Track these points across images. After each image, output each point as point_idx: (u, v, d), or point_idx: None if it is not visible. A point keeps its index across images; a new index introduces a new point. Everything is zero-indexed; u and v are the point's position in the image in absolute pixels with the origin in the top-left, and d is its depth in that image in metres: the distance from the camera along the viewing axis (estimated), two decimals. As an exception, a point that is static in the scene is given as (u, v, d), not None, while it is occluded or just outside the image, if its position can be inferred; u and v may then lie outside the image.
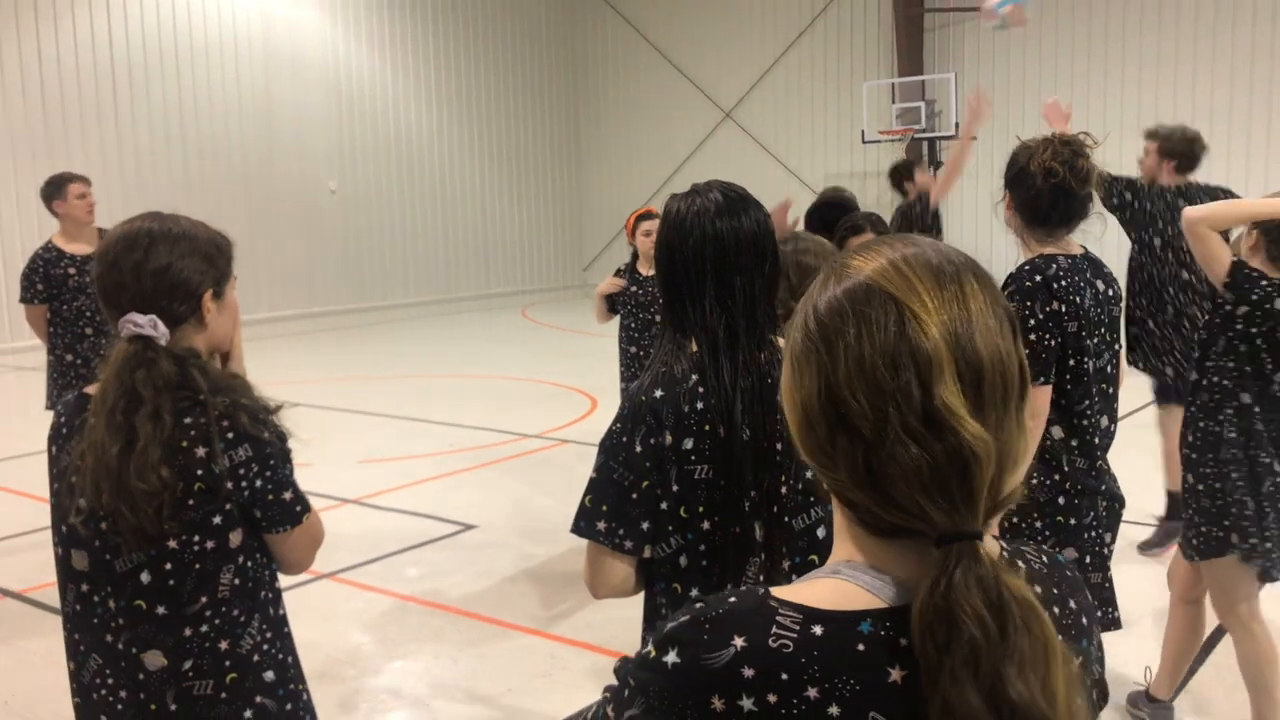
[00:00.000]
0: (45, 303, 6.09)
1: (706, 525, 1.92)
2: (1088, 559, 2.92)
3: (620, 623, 4.75)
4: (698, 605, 0.97)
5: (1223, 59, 14.39)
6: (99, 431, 1.79)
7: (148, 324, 1.85)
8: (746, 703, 0.90)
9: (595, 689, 4.14)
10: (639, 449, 1.90)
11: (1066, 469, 2.88)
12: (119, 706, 1.87)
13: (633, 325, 5.82)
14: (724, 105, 19.24)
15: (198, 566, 1.88)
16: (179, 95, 15.73)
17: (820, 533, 1.97)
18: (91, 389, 1.91)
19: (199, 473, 1.84)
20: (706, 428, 1.91)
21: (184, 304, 1.91)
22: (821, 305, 1.00)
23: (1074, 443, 2.89)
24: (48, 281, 6.05)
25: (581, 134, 21.45)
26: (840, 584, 0.96)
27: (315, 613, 4.91)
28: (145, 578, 1.86)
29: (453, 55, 19.21)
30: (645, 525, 1.91)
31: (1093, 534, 2.93)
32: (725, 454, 1.90)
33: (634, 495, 1.90)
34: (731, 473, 1.90)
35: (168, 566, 1.87)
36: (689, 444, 1.90)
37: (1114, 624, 2.98)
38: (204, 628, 1.89)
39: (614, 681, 1.02)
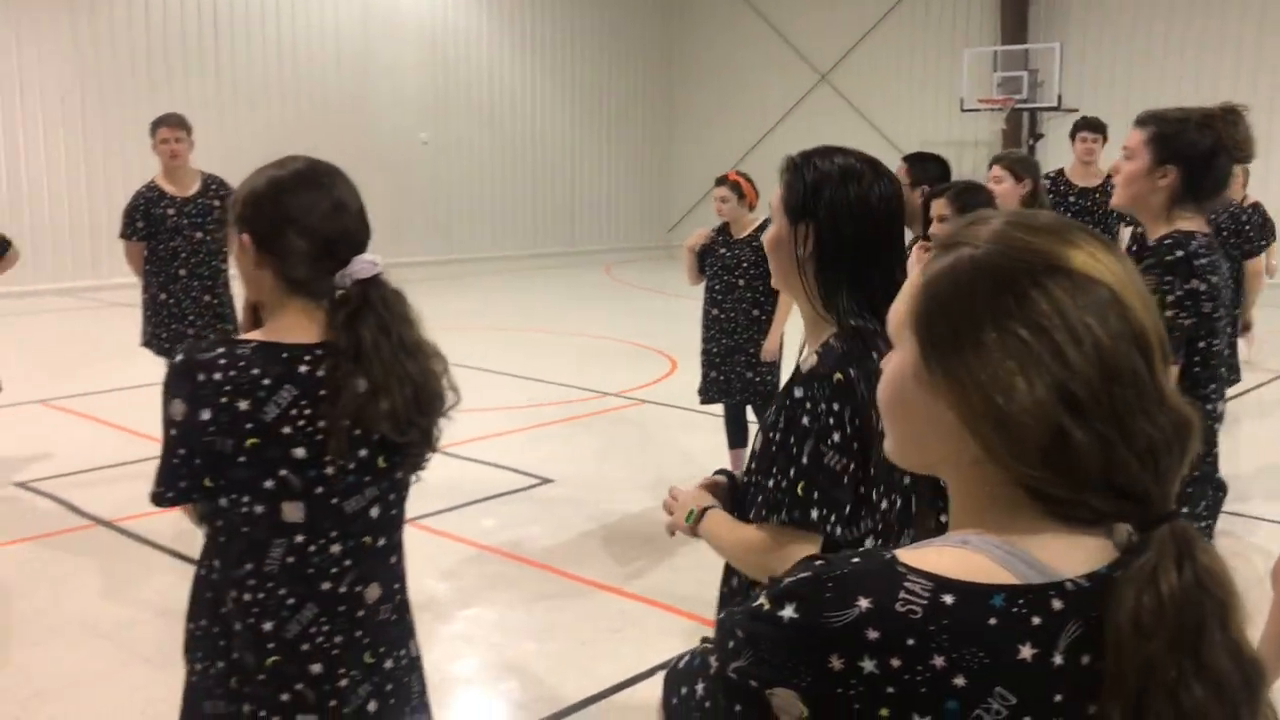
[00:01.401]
0: (143, 240, 6.23)
1: (885, 505, 1.82)
2: None
3: (694, 583, 4.75)
4: (819, 563, 0.95)
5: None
6: (366, 379, 1.79)
7: (378, 265, 1.87)
8: (868, 664, 0.89)
9: (667, 648, 4.14)
10: (847, 429, 1.77)
11: None
12: (335, 651, 1.86)
13: (717, 288, 5.80)
14: (820, 67, 18.94)
15: (404, 494, 1.96)
16: (278, 43, 15.96)
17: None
18: (273, 336, 1.84)
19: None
20: None
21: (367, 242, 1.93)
22: (1043, 301, 0.94)
23: None
24: (147, 220, 6.19)
25: (673, 92, 21.28)
26: (969, 555, 0.94)
27: (394, 557, 4.98)
28: (375, 512, 1.89)
29: (547, 9, 19.16)
30: (850, 509, 1.78)
31: (1202, 524, 2.85)
32: None
33: (845, 479, 1.77)
34: None
35: (392, 496, 1.92)
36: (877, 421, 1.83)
37: None
38: (397, 554, 1.97)
39: (707, 635, 1.00)
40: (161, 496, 1.84)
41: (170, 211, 6.20)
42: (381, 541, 1.93)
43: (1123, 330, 0.93)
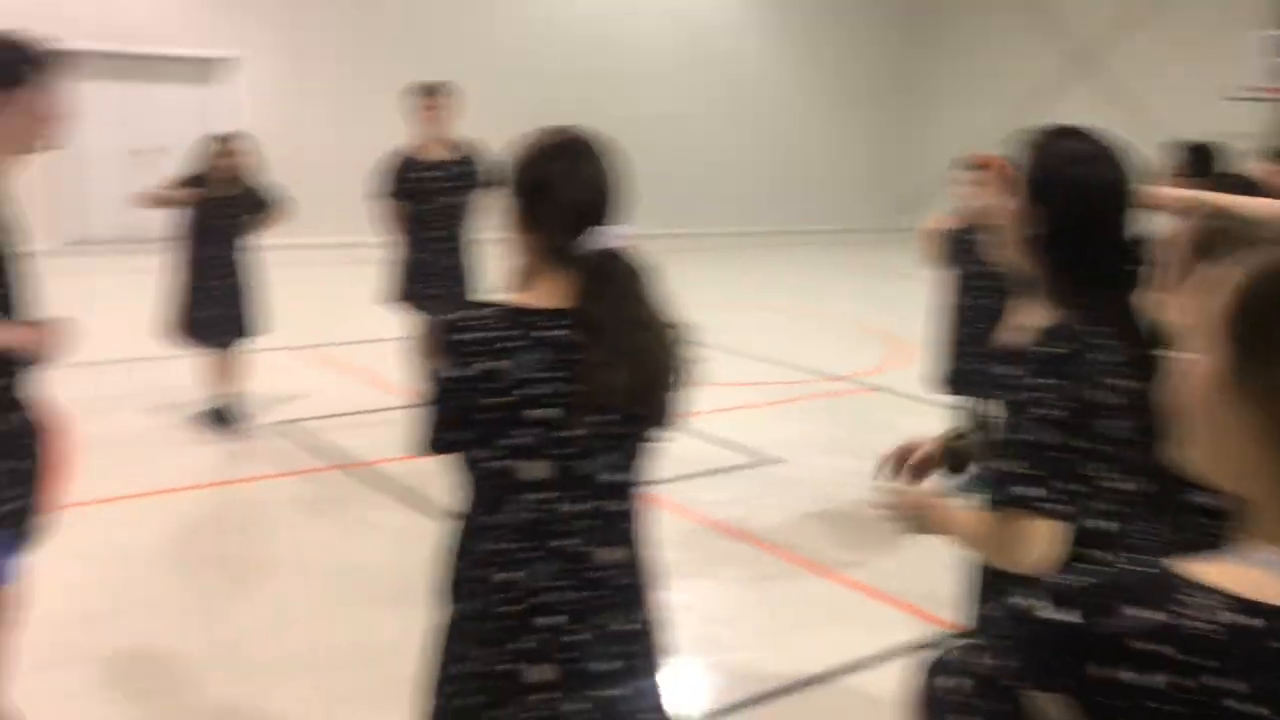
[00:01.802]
0: (398, 201, 6.52)
1: (1121, 486, 1.80)
2: None
3: (918, 576, 4.63)
4: (1103, 569, 0.90)
5: None
6: (607, 347, 1.85)
7: (627, 235, 1.92)
8: (1157, 679, 0.84)
9: (887, 639, 4.06)
10: (1074, 406, 1.75)
11: None
12: (569, 608, 1.93)
13: (962, 275, 5.59)
14: (1077, 44, 17.99)
15: (644, 459, 2.00)
16: (536, 16, 16.46)
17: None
18: (522, 300, 1.91)
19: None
20: (1124, 382, 1.78)
21: (620, 214, 1.96)
22: None
23: None
24: (402, 181, 6.47)
25: (917, 68, 20.69)
26: (1262, 575, 0.87)
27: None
28: (613, 477, 1.94)
29: (793, -16, 19.00)
30: (1074, 488, 1.77)
31: None
32: (1142, 409, 1.76)
33: (1063, 456, 1.75)
34: (1151, 430, 1.76)
35: (632, 463, 1.97)
36: (1108, 399, 1.77)
37: None
38: (635, 519, 2.01)
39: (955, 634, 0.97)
40: (425, 445, 1.95)
41: (425, 175, 6.46)
42: (620, 506, 1.96)
43: None
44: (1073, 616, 0.87)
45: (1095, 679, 0.85)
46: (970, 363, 5.57)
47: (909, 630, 4.14)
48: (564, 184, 1.90)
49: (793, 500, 5.63)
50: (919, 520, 1.99)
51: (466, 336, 1.85)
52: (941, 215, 5.74)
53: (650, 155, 17.32)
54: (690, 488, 5.64)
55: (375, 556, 4.82)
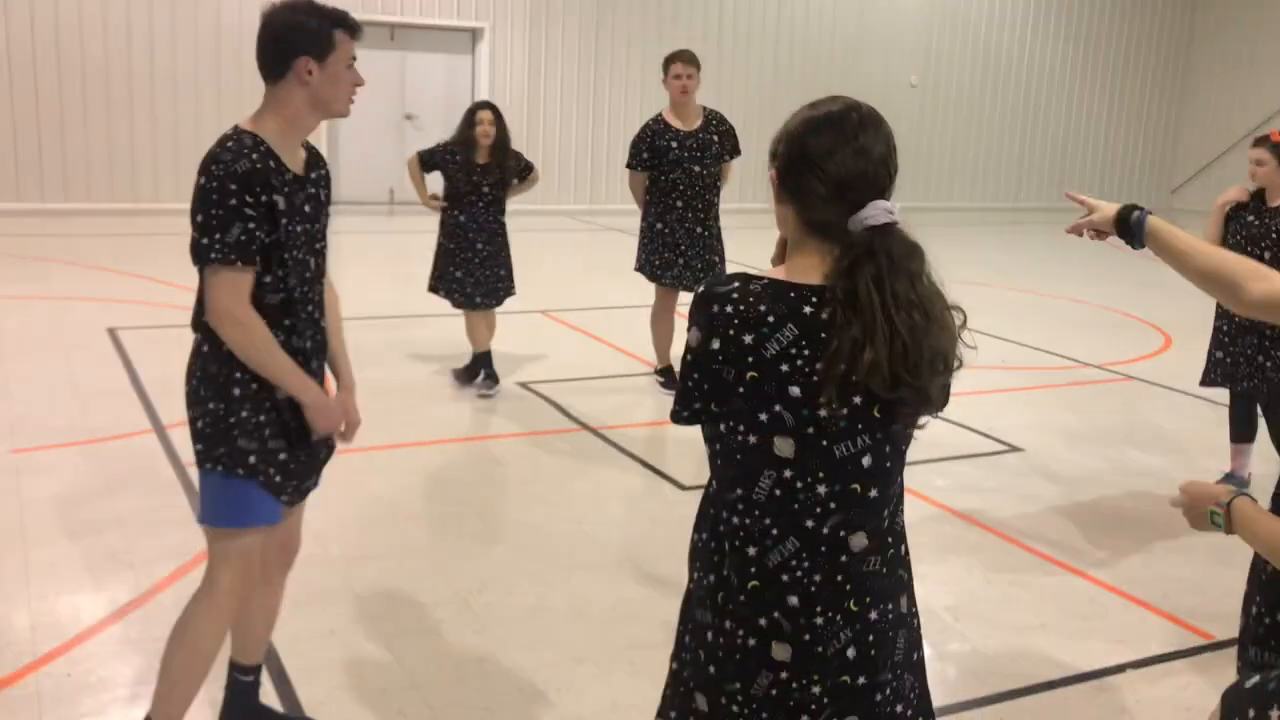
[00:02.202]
0: (647, 170, 6.59)
1: None
2: None
3: (1173, 581, 4.36)
4: None
5: None
6: (887, 320, 1.80)
7: (898, 210, 1.86)
8: None
9: (1137, 646, 3.84)
10: None
11: None
12: (813, 589, 1.91)
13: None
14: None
15: (903, 448, 1.95)
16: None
17: None
18: (781, 275, 1.89)
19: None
20: None
21: (893, 190, 1.91)
22: None
23: None
24: (652, 151, 6.54)
25: (1194, 39, 19.31)
26: None
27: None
28: (866, 460, 1.90)
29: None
30: None
31: None
32: None
33: None
34: None
35: (888, 448, 1.91)
36: None
37: None
38: (890, 506, 1.95)
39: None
40: (678, 415, 1.94)
41: (674, 145, 6.50)
42: (873, 492, 1.90)
43: None
44: None
45: None
46: (1234, 354, 5.20)
47: (1172, 642, 3.90)
48: (830, 157, 1.84)
49: (1036, 492, 5.40)
50: (1217, 519, 1.90)
51: (725, 309, 1.84)
52: (1237, 188, 5.34)
53: (902, 127, 16.95)
54: (928, 472, 5.49)
55: (614, 518, 4.93)
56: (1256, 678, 1.78)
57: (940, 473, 5.55)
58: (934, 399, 1.88)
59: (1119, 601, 4.24)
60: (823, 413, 1.82)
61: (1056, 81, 18.57)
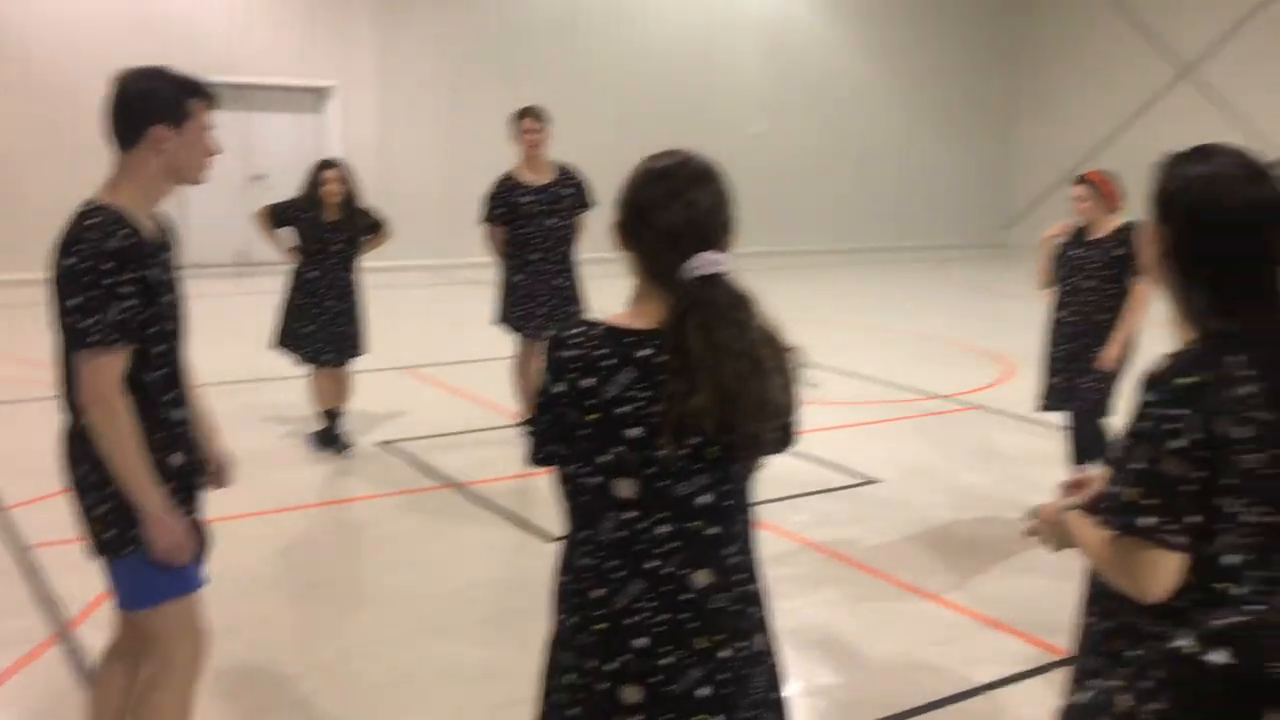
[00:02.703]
0: (502, 225, 6.61)
1: (1255, 519, 1.75)
2: None
3: (1027, 601, 4.53)
4: (1255, 607, 0.87)
5: None
6: (712, 366, 1.84)
7: (726, 262, 1.92)
8: None
9: (1000, 667, 3.98)
10: (1195, 437, 1.74)
11: None
12: (659, 629, 1.94)
13: (1066, 290, 5.52)
14: (1182, 60, 17.54)
15: (744, 485, 2.00)
16: (629, 38, 16.64)
17: None
18: (621, 321, 1.93)
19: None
20: (1259, 414, 1.74)
21: (728, 242, 1.97)
22: None
23: None
24: (506, 205, 6.57)
25: (1016, 83, 20.37)
26: None
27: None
28: (706, 499, 1.94)
29: (885, 2, 18.85)
30: (1194, 519, 1.74)
31: None
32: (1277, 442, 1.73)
33: (1185, 487, 1.74)
34: None
35: (726, 487, 1.96)
36: (1243, 431, 1.74)
37: None
38: (736, 545, 1.99)
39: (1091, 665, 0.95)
40: (533, 457, 2.00)
41: (526, 199, 6.55)
42: (714, 530, 1.95)
43: None
44: (1237, 659, 0.85)
45: None
46: (1070, 379, 5.48)
47: (1027, 662, 4.05)
48: (659, 209, 1.92)
49: (894, 522, 5.56)
50: (1060, 536, 1.99)
51: (566, 353, 1.91)
52: (1057, 225, 5.67)
53: (747, 174, 17.39)
54: (787, 508, 5.60)
55: (483, 576, 4.88)
56: (1089, 693, 1.88)
57: (800, 508, 5.67)
58: (766, 443, 1.94)
59: (976, 624, 4.38)
60: (662, 453, 1.88)
61: (893, 127, 19.32)
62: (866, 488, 6.14)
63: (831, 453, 6.62)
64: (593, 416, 1.89)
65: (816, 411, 7.57)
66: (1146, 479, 1.76)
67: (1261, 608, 0.89)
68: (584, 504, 1.96)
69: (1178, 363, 1.80)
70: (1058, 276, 5.57)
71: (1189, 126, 15.49)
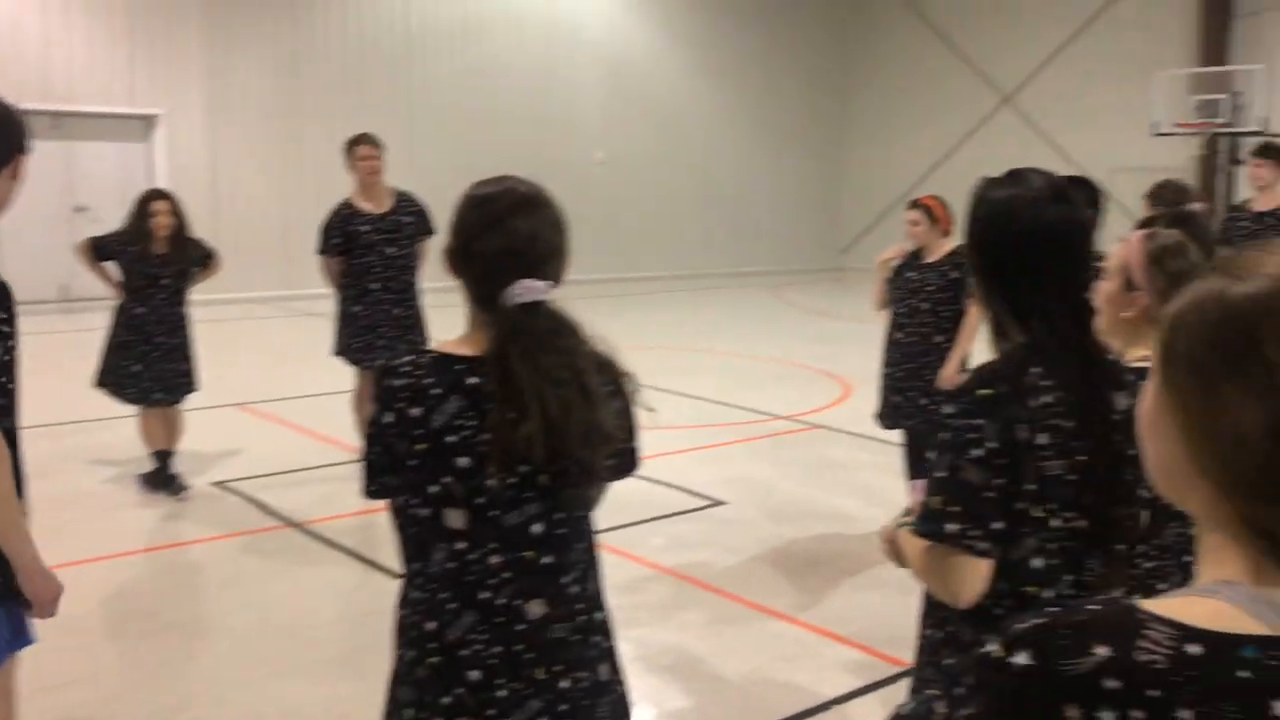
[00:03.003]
0: (338, 255, 6.48)
1: (1056, 524, 1.85)
2: None
3: (872, 615, 4.65)
4: (1055, 609, 0.92)
5: None
6: (513, 400, 1.82)
7: (545, 289, 1.89)
8: (1107, 715, 0.86)
9: (844, 681, 4.07)
10: (992, 446, 1.82)
11: None
12: (493, 661, 1.90)
13: (902, 311, 5.68)
14: (1003, 88, 18.47)
15: (579, 514, 1.96)
16: (467, 64, 16.57)
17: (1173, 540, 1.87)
18: (450, 349, 1.92)
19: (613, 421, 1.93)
20: (1057, 422, 1.83)
21: (556, 270, 1.95)
22: (1248, 313, 0.90)
23: None
24: (343, 235, 6.44)
25: (849, 113, 21.09)
26: (1219, 605, 0.90)
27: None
28: (537, 528, 1.91)
29: (725, 31, 19.28)
30: (998, 525, 1.83)
31: None
32: (1079, 449, 1.82)
33: (987, 494, 1.82)
34: (1088, 469, 1.82)
35: (558, 516, 1.92)
36: (1042, 439, 1.82)
37: None
38: (573, 573, 1.96)
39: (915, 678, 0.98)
40: (368, 490, 1.96)
41: (365, 228, 6.43)
42: (548, 559, 1.93)
43: None
44: (1036, 660, 0.89)
45: None
46: (906, 396, 5.66)
47: (870, 673, 4.15)
48: (479, 236, 1.91)
49: (740, 543, 5.63)
50: (899, 551, 2.06)
51: (394, 382, 1.88)
52: (897, 247, 5.82)
53: (589, 202, 17.49)
54: (635, 534, 5.62)
55: (327, 615, 4.74)
56: (913, 703, 1.96)
57: (650, 532, 5.70)
58: (601, 470, 1.93)
59: (823, 641, 4.47)
60: (491, 483, 1.85)
61: (732, 156, 19.74)
62: (714, 509, 6.21)
63: (678, 476, 6.68)
64: (420, 446, 1.86)
65: (662, 436, 7.66)
66: (949, 487, 1.84)
67: (1059, 610, 0.93)
68: (415, 535, 1.93)
69: (980, 376, 1.90)
70: (894, 298, 5.74)
71: (1013, 150, 16.37)
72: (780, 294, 17.59)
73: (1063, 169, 2.11)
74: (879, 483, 6.52)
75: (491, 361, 1.86)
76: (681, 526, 5.91)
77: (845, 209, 21.18)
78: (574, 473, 1.90)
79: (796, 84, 20.42)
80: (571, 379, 1.86)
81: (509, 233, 1.91)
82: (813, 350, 11.74)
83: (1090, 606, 0.92)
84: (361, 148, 6.51)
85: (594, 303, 16.28)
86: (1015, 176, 2.01)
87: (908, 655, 4.22)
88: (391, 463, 1.90)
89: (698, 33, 19.03)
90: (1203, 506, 0.95)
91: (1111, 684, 0.86)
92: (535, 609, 1.91)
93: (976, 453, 1.82)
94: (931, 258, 5.62)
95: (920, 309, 5.59)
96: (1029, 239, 1.93)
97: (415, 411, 1.86)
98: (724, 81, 19.47)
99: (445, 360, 1.90)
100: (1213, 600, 0.90)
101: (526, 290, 1.87)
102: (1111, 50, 16.97)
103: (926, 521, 1.86)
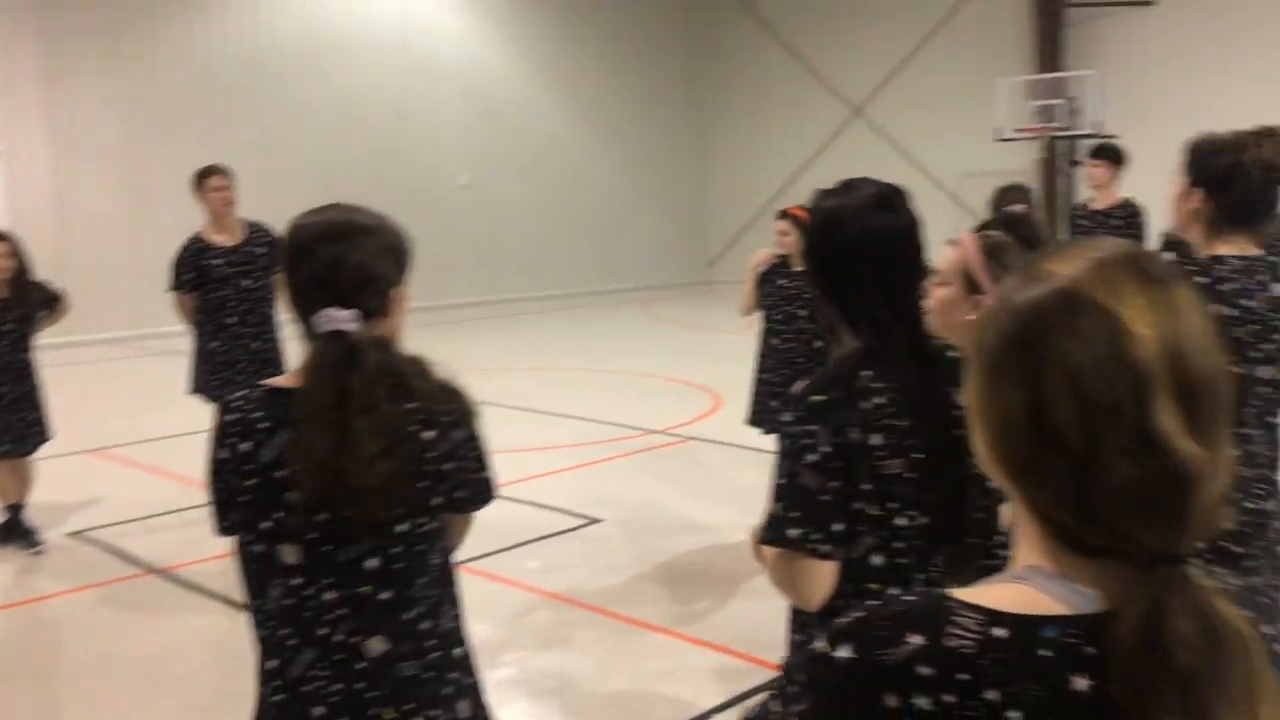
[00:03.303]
0: (192, 291, 6.28)
1: (901, 522, 1.89)
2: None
3: (749, 624, 4.69)
4: (872, 602, 0.95)
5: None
6: (313, 431, 1.76)
7: (349, 319, 1.83)
8: (922, 701, 0.89)
9: (724, 690, 4.10)
10: (825, 450, 1.86)
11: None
12: (334, 699, 1.85)
13: (778, 318, 5.72)
14: (853, 102, 18.98)
15: (418, 548, 1.90)
16: (322, 89, 16.28)
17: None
18: (280, 382, 1.88)
19: (426, 455, 1.86)
20: (890, 422, 1.88)
21: (376, 299, 1.89)
22: (1024, 311, 0.96)
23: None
24: (196, 270, 6.25)
25: (708, 129, 21.40)
26: (1024, 589, 0.94)
27: (444, 601, 4.96)
28: (373, 563, 1.86)
29: (582, 51, 19.39)
30: (838, 527, 1.86)
31: (1251, 563, 2.76)
32: (915, 448, 1.88)
33: (824, 497, 1.85)
34: (927, 466, 1.87)
35: (394, 550, 1.87)
36: (876, 440, 1.87)
37: None
38: (418, 609, 1.91)
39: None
40: (219, 528, 1.94)
41: (218, 261, 6.25)
42: (386, 595, 1.87)
43: (1113, 361, 0.89)
44: (857, 652, 0.92)
45: (892, 709, 0.89)
46: (775, 401, 5.73)
47: (750, 680, 4.19)
48: (293, 265, 1.89)
49: (618, 559, 5.64)
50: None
51: (228, 418, 1.87)
52: (765, 252, 5.87)
53: (456, 226, 17.35)
54: (512, 557, 5.58)
55: (195, 662, 4.58)
56: (757, 706, 2.00)
57: (527, 555, 5.66)
58: (427, 505, 1.88)
59: (703, 651, 4.50)
60: (321, 517, 1.82)
61: (597, 175, 19.83)
62: (591, 527, 6.20)
63: (553, 497, 6.65)
64: (250, 482, 1.84)
65: (536, 457, 7.62)
66: (789, 493, 1.88)
67: (878, 603, 0.97)
68: (254, 572, 1.89)
69: (814, 382, 1.95)
70: (767, 305, 5.79)
71: (869, 159, 16.80)
72: (650, 309, 17.71)
73: (914, 175, 2.17)
74: (753, 492, 6.59)
75: (303, 393, 1.82)
76: (558, 547, 5.88)
77: (711, 223, 21.46)
78: (407, 506, 1.85)
79: (655, 105, 20.63)
80: (385, 408, 1.80)
81: (315, 261, 1.87)
82: (685, 363, 11.84)
83: (906, 597, 0.95)
84: (213, 179, 6.33)
85: (462, 326, 16.23)
86: (846, 186, 2.06)
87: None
88: (229, 498, 1.87)
89: (555, 60, 19.08)
90: (1009, 493, 0.99)
91: (925, 670, 0.89)
92: (376, 646, 1.86)
93: (812, 458, 1.86)
94: (801, 265, 5.71)
95: (798, 315, 5.64)
96: (855, 247, 1.98)
97: (245, 447, 1.84)
98: (584, 105, 19.55)
99: (275, 394, 1.87)
100: (1020, 585, 0.94)
101: (330, 320, 1.83)
102: (955, 60, 17.59)
103: (771, 528, 1.89)
